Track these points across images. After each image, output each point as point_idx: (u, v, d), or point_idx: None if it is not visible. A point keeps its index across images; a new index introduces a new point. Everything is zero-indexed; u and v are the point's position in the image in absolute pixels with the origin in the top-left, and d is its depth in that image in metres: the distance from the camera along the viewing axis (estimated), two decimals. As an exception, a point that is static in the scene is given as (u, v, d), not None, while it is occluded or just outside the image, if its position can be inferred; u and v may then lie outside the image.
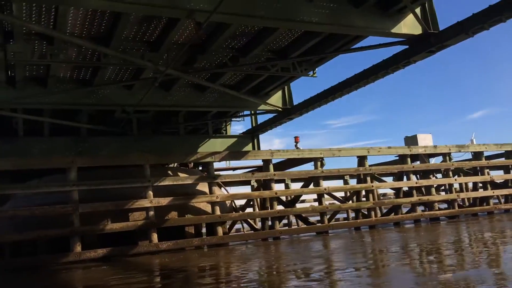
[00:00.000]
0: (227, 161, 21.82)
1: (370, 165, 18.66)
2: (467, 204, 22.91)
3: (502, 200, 23.42)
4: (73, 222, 13.53)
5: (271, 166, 16.65)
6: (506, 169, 22.57)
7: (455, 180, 20.28)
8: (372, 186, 18.38)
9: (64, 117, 15.52)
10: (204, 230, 16.86)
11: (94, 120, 16.41)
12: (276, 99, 16.34)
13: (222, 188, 18.47)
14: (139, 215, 14.99)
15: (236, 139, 18.42)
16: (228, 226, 21.23)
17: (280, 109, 15.92)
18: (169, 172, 16.82)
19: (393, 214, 19.39)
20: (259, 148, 18.68)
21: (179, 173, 17.03)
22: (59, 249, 13.75)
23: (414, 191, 19.28)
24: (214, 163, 21.59)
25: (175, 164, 20.50)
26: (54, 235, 13.78)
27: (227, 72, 13.30)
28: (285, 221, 29.98)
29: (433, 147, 20.11)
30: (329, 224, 17.30)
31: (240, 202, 22.02)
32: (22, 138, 15.22)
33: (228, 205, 18.19)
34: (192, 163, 18.87)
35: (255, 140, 18.65)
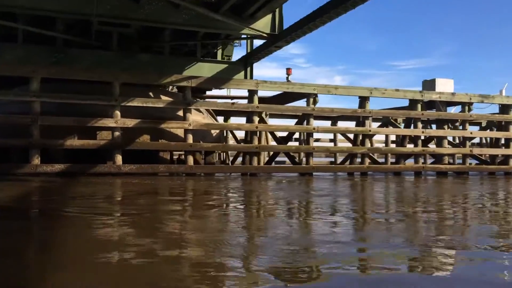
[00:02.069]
0: (228, 89, 20.89)
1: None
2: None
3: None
4: (32, 134, 13.34)
5: (255, 98, 15.65)
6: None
7: (471, 133, 18.36)
8: (370, 130, 16.96)
9: (40, 25, 14.92)
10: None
11: (73, 30, 15.74)
12: (263, 24, 14.94)
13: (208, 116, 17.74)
14: (107, 135, 14.66)
15: (226, 65, 17.31)
16: (231, 158, 20.79)
17: (265, 35, 14.49)
18: (150, 93, 16.15)
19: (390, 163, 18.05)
20: (251, 77, 17.48)
21: (162, 96, 16.36)
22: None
23: (419, 141, 17.67)
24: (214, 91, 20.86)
25: (172, 87, 19.84)
26: (14, 144, 13.78)
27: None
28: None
29: (450, 94, 18.13)
30: (313, 166, 16.35)
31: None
32: (-6, 43, 14.89)
33: (214, 134, 17.51)
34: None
35: (248, 69, 17.38)
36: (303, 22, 12.89)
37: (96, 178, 13.11)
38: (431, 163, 19.30)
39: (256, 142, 15.76)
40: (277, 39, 14.44)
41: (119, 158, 14.19)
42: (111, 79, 14.15)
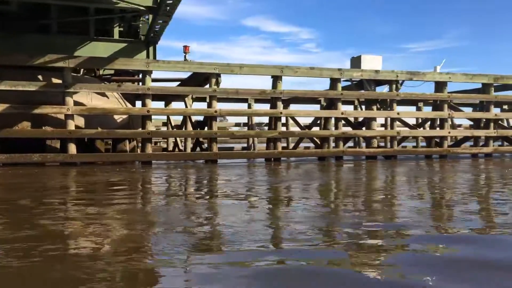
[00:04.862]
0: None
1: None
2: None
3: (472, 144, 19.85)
4: None
5: (148, 79, 14.45)
6: (480, 107, 18.85)
7: (398, 114, 17.02)
8: (281, 113, 15.68)
9: None
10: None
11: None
12: (145, -3, 13.56)
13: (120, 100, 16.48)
14: (-21, 122, 13.47)
15: (125, 44, 15.97)
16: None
17: (142, 8, 13.15)
18: (39, 77, 14.91)
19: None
20: (154, 57, 16.19)
21: (54, 79, 15.11)
22: None
23: (340, 124, 16.40)
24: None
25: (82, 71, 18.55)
26: None
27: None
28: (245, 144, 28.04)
29: (373, 71, 16.78)
30: (216, 153, 15.13)
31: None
32: None
33: (119, 120, 16.25)
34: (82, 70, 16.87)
35: (151, 48, 16.09)
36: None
37: None
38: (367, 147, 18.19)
39: (149, 127, 14.52)
40: (156, 12, 13.09)
41: (-15, 148, 13.03)
42: (-28, 60, 12.93)
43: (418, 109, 24.08)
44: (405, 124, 18.62)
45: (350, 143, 23.33)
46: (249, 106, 22.55)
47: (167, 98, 18.93)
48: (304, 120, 21.67)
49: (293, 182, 9.48)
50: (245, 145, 26.71)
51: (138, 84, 15.85)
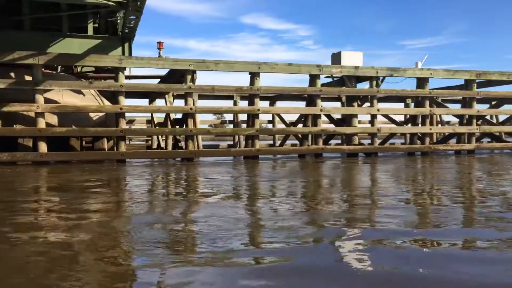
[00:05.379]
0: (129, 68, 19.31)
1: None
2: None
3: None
4: None
5: (121, 76, 14.24)
6: (462, 103, 18.62)
7: (378, 110, 16.78)
8: (258, 109, 15.45)
9: None
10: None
11: None
12: (114, -8, 13.27)
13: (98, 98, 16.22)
14: None
15: (100, 40, 15.73)
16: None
17: (112, 4, 12.88)
18: (12, 74, 14.64)
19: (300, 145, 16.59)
20: (130, 54, 15.95)
21: (26, 77, 14.84)
22: None
23: (319, 120, 16.19)
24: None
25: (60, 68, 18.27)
26: None
27: None
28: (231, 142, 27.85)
29: (353, 67, 16.51)
30: (191, 151, 14.93)
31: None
32: None
33: (95, 118, 16.00)
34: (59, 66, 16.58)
35: (126, 44, 15.85)
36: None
37: None
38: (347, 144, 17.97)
39: (123, 125, 14.27)
40: (127, 7, 12.83)
41: None
42: None
43: (407, 105, 23.83)
44: (392, 121, 18.44)
45: (338, 140, 23.13)
46: (235, 103, 22.41)
47: (151, 95, 18.71)
48: (291, 118, 21.52)
49: (249, 182, 9.27)
50: (231, 142, 26.56)
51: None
